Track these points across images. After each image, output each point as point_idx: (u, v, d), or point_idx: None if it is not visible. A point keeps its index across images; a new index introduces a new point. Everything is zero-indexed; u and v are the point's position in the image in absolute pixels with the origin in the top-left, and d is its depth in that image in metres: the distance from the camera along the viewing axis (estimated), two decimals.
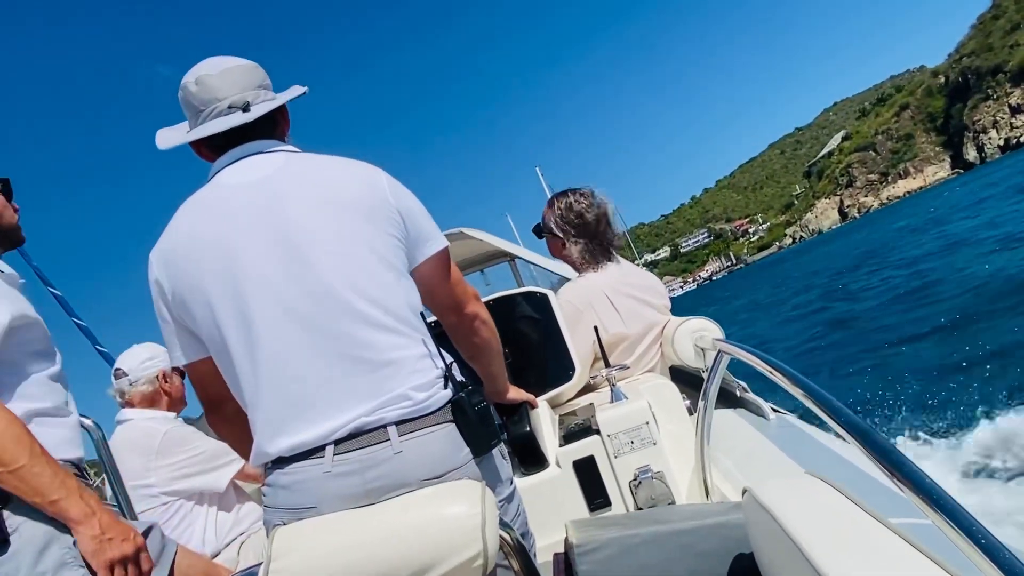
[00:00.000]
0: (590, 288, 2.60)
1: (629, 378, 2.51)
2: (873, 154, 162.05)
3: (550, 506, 2.01)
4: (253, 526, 2.63)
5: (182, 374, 2.75)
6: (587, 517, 2.00)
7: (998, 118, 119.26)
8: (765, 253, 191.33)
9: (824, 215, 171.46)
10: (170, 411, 2.70)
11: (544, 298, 2.44)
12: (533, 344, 2.42)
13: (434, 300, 1.56)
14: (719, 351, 1.98)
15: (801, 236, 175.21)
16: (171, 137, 1.49)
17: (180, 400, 2.75)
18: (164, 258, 1.37)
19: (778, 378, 1.45)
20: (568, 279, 2.93)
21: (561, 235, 2.69)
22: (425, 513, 1.23)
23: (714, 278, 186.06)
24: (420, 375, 1.32)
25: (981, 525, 0.74)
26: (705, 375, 2.07)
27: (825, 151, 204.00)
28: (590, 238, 2.67)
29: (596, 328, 2.38)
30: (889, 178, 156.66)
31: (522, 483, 1.99)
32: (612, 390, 2.17)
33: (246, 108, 1.41)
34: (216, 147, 1.43)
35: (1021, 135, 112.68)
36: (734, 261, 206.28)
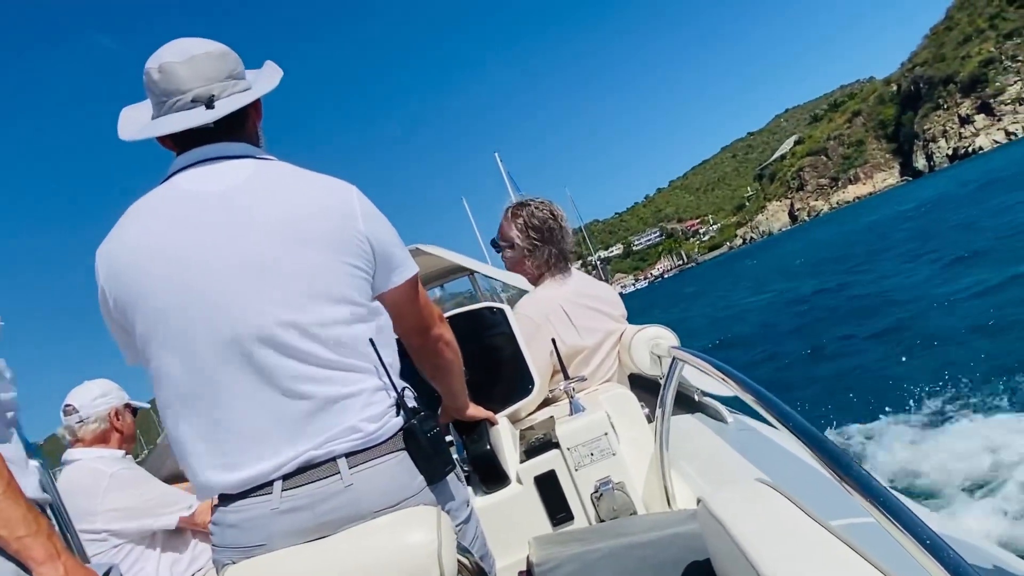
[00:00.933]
0: (547, 301, 2.61)
1: (588, 389, 2.51)
2: (824, 159, 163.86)
3: (513, 524, 2.02)
4: (208, 563, 2.56)
5: (134, 412, 2.75)
6: (550, 533, 2.02)
7: (948, 128, 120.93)
8: (716, 253, 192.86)
9: (775, 217, 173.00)
10: (120, 448, 2.66)
11: (501, 313, 2.45)
12: (492, 360, 2.42)
13: (402, 323, 1.53)
14: (674, 358, 2.02)
15: (751, 237, 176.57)
16: (131, 128, 1.38)
17: (131, 438, 2.71)
18: (109, 262, 1.29)
19: (730, 384, 1.48)
20: (526, 291, 2.99)
21: (525, 245, 2.68)
22: (380, 542, 1.21)
23: (665, 276, 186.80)
24: (372, 407, 1.30)
25: (926, 525, 0.75)
26: (662, 382, 2.11)
27: (777, 154, 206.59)
28: (553, 246, 2.67)
29: (554, 341, 2.41)
30: (840, 183, 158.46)
31: (484, 502, 2.01)
32: (571, 402, 2.20)
33: (210, 103, 1.31)
34: (179, 140, 1.35)
35: (969, 145, 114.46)
36: (685, 260, 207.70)
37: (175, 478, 2.81)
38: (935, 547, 0.72)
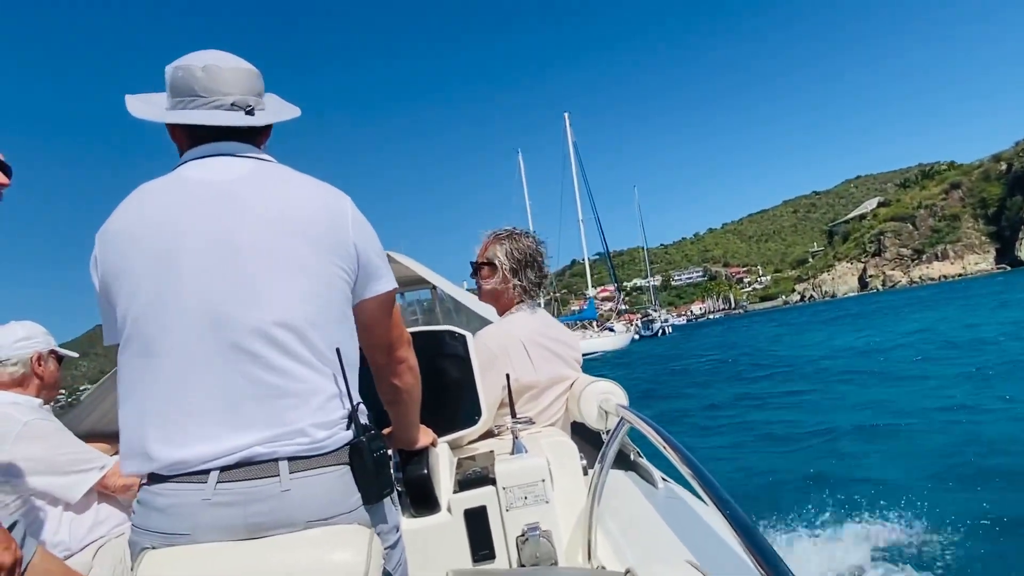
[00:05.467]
0: (508, 335, 2.64)
1: (531, 430, 2.53)
2: (911, 227, 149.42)
3: (435, 553, 2.01)
4: (113, 530, 2.47)
5: (59, 359, 2.66)
6: (470, 568, 2.02)
7: None
8: (768, 304, 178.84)
9: (842, 279, 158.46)
10: (39, 396, 2.55)
11: (462, 339, 2.45)
12: (443, 383, 2.42)
13: (370, 337, 1.53)
14: (621, 417, 2.06)
15: (811, 295, 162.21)
16: (148, 111, 1.43)
17: (52, 386, 2.62)
18: (104, 237, 1.35)
19: (670, 453, 1.50)
20: (490, 321, 3.02)
21: (508, 267, 2.73)
22: (309, 556, 1.19)
23: (709, 316, 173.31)
24: (324, 412, 1.30)
25: None
26: (606, 437, 2.15)
27: (855, 213, 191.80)
28: (533, 272, 2.74)
29: (508, 376, 2.47)
30: (924, 256, 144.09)
31: (410, 525, 1.99)
32: (515, 442, 2.23)
33: (250, 111, 1.41)
34: (196, 136, 1.41)
35: None
36: (732, 305, 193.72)
37: (91, 436, 2.72)
38: None
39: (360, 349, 1.52)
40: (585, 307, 67.71)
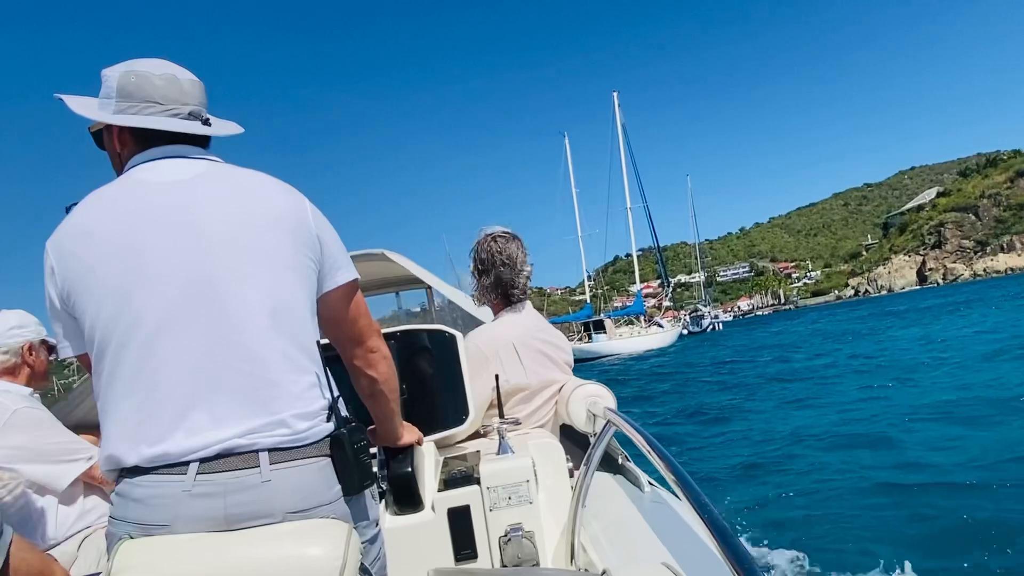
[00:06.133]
0: (500, 338, 2.68)
1: (519, 431, 2.56)
2: (973, 218, 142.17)
3: (417, 551, 2.01)
4: (99, 521, 2.49)
5: (51, 349, 2.67)
6: (451, 567, 2.03)
7: None
8: (820, 300, 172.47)
9: (899, 273, 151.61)
10: (29, 386, 2.57)
11: (452, 339, 2.47)
12: (432, 382, 2.45)
13: (339, 330, 1.55)
14: (608, 420, 2.07)
15: (866, 290, 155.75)
16: (94, 111, 1.42)
17: (43, 376, 2.65)
18: (60, 246, 1.31)
19: (655, 459, 1.52)
20: (482, 322, 3.04)
21: (475, 271, 2.79)
22: (285, 549, 1.19)
23: (757, 312, 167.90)
24: (305, 403, 1.30)
25: None
26: (592, 440, 2.16)
27: (913, 204, 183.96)
28: (499, 277, 2.74)
29: (497, 377, 2.47)
30: (988, 248, 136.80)
31: (393, 522, 2.01)
32: (501, 442, 2.22)
33: (207, 122, 1.45)
34: (143, 140, 1.42)
35: None
36: (782, 300, 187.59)
37: (81, 427, 2.74)
38: None
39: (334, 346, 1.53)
40: (632, 302, 64.64)
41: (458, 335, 2.45)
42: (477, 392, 2.46)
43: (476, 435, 2.61)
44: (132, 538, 1.20)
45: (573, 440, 2.68)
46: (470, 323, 3.34)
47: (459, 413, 2.41)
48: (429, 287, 4.81)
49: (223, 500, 1.20)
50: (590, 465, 2.01)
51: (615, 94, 68.13)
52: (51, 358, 2.66)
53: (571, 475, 2.28)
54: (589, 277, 78.47)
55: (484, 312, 3.02)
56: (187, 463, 1.20)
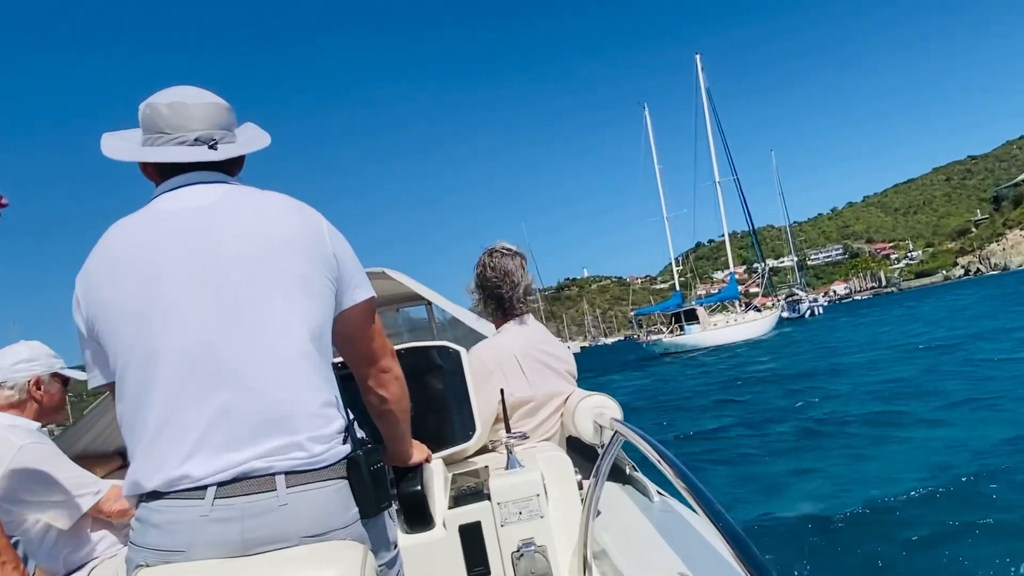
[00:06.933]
0: (503, 350, 2.69)
1: (526, 445, 2.53)
2: None
3: (430, 569, 2.02)
4: (107, 551, 2.48)
5: (64, 382, 2.61)
6: None
7: None
8: (925, 281, 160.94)
9: (1015, 249, 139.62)
10: (39, 420, 2.53)
11: (456, 355, 2.47)
12: (438, 399, 2.45)
13: (353, 349, 1.55)
14: (615, 431, 2.07)
15: (978, 269, 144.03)
16: (120, 149, 1.45)
17: (53, 410, 2.57)
18: (85, 277, 1.35)
19: (665, 468, 1.51)
20: (484, 336, 3.05)
21: (475, 291, 2.83)
22: (302, 573, 1.19)
23: (855, 297, 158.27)
24: (321, 426, 1.30)
25: None
26: (600, 451, 2.17)
27: None
28: (497, 296, 2.77)
29: (502, 391, 2.46)
30: None
31: (404, 541, 1.97)
32: (509, 456, 2.22)
33: (213, 146, 1.42)
34: (165, 171, 1.43)
35: None
36: (882, 283, 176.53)
37: (86, 456, 2.75)
38: None
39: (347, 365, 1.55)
40: (725, 286, 60.12)
41: (462, 351, 2.47)
42: (483, 407, 2.45)
43: (484, 450, 2.61)
44: (148, 566, 1.20)
45: (580, 452, 2.67)
46: (471, 337, 3.27)
47: (466, 428, 2.42)
48: (429, 303, 4.73)
49: (240, 525, 1.20)
50: (599, 477, 2.01)
51: (697, 56, 63.06)
52: (66, 390, 2.60)
53: (580, 487, 2.28)
54: (676, 262, 74.05)
55: (486, 326, 3.04)
56: (205, 487, 1.20)
